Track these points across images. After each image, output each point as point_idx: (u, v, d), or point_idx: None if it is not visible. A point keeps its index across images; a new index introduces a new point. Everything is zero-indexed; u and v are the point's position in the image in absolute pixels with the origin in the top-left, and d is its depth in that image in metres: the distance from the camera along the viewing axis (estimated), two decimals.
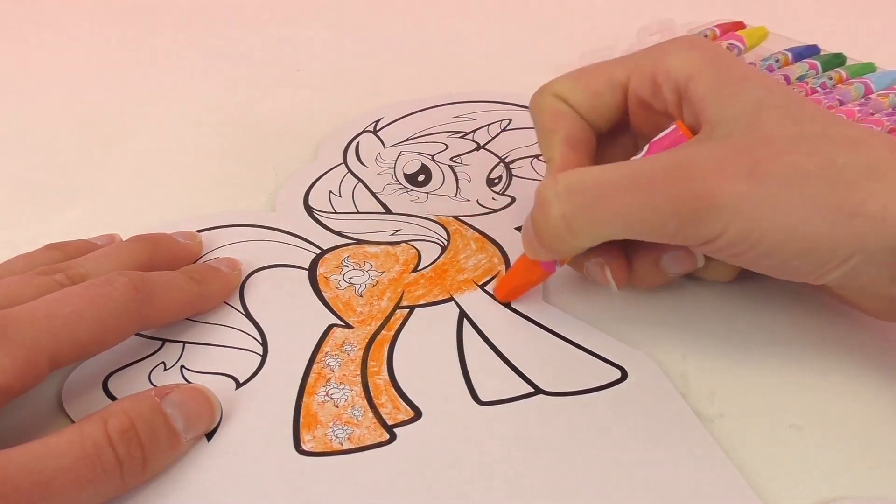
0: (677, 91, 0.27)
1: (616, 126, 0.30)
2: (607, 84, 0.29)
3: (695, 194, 0.24)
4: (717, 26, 0.49)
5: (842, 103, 0.41)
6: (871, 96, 0.41)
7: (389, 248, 0.33)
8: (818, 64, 0.45)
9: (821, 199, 0.24)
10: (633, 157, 0.27)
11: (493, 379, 0.27)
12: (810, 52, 0.46)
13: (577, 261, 0.29)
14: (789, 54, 0.46)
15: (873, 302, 0.27)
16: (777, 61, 0.45)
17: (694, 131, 0.27)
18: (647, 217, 0.25)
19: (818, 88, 0.42)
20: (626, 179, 0.25)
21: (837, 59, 0.45)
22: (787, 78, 0.43)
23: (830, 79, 0.43)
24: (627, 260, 0.29)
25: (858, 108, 0.40)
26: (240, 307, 0.30)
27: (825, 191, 0.24)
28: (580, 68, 0.30)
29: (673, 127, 0.27)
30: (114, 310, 0.25)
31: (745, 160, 0.24)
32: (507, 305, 0.30)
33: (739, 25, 0.50)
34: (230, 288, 0.30)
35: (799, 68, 0.44)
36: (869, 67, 0.45)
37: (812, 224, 0.24)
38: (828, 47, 0.47)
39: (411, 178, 0.37)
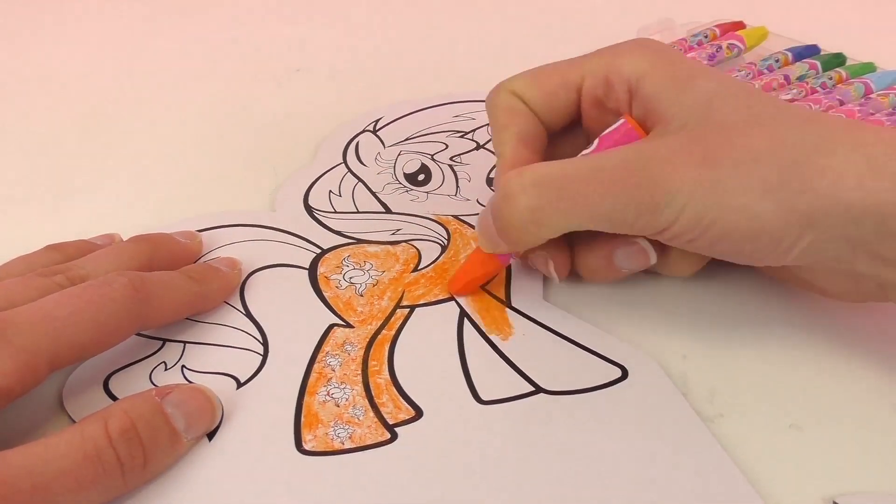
0: (629, 90, 0.28)
1: (568, 124, 0.31)
2: (562, 84, 0.30)
3: (651, 182, 0.25)
4: (717, 26, 0.49)
5: (842, 103, 0.41)
6: (871, 96, 0.41)
7: (390, 247, 0.33)
8: (818, 64, 0.45)
9: (770, 178, 0.24)
10: (584, 151, 0.29)
11: (493, 378, 0.27)
12: (810, 52, 0.46)
13: (523, 253, 0.30)
14: (789, 54, 0.46)
15: (838, 283, 0.27)
16: (777, 61, 0.45)
17: (644, 126, 0.28)
18: (609, 208, 0.26)
19: (818, 88, 0.42)
20: (590, 172, 0.26)
21: (837, 59, 0.45)
22: (787, 78, 0.43)
23: (830, 79, 0.43)
24: (570, 253, 0.30)
25: (858, 108, 0.40)
26: (240, 307, 0.30)
27: (774, 170, 0.24)
28: (536, 67, 0.31)
29: (621, 121, 0.28)
30: (113, 310, 0.25)
31: (698, 147, 0.25)
32: (508, 310, 0.30)
33: (739, 25, 0.50)
34: (230, 287, 0.30)
35: (799, 68, 0.44)
36: (869, 67, 0.45)
37: (762, 204, 0.24)
38: (828, 47, 0.47)
39: (411, 178, 0.37)
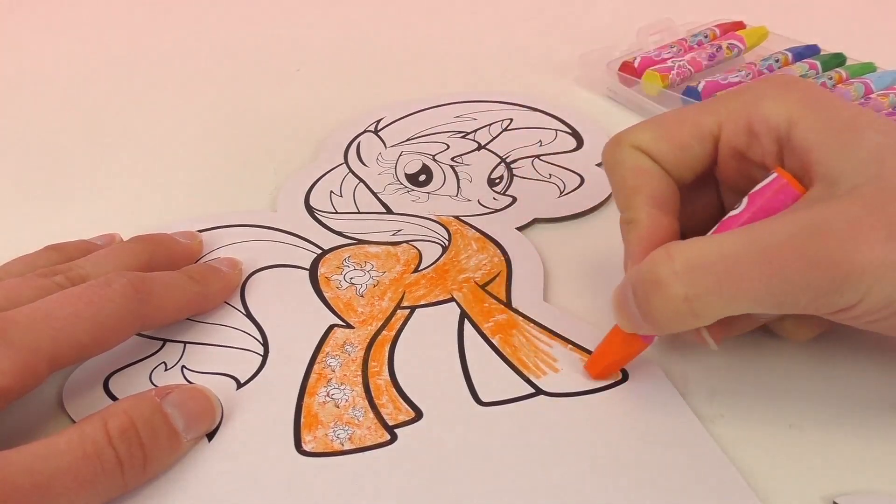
0: (778, 140, 0.25)
1: (701, 177, 0.28)
2: (695, 135, 0.27)
3: (831, 263, 0.22)
4: (717, 26, 0.49)
5: None
6: (871, 96, 0.41)
7: (390, 248, 0.33)
8: (818, 64, 0.45)
9: None
10: (732, 212, 0.25)
11: (493, 379, 0.27)
12: (810, 52, 0.46)
13: None
14: (789, 54, 0.46)
15: None
16: (777, 61, 0.45)
17: (800, 181, 0.24)
18: (778, 291, 0.22)
19: None
20: (753, 251, 0.23)
21: (837, 59, 0.45)
22: None
23: (830, 79, 0.43)
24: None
25: None
26: (241, 307, 0.30)
27: None
28: (659, 116, 0.28)
29: (774, 176, 0.25)
30: (113, 311, 0.25)
31: (881, 219, 0.22)
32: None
33: (739, 25, 0.50)
34: (231, 288, 0.30)
35: (799, 68, 0.44)
36: (869, 67, 0.45)
37: None
38: (828, 47, 0.47)
39: (412, 178, 0.37)
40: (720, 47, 0.47)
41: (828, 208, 0.23)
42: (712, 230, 0.25)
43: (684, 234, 0.26)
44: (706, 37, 0.48)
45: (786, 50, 0.46)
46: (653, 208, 0.26)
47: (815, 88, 0.26)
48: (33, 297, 0.25)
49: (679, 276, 0.23)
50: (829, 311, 0.23)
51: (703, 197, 0.28)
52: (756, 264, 0.22)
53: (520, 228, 0.34)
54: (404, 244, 0.33)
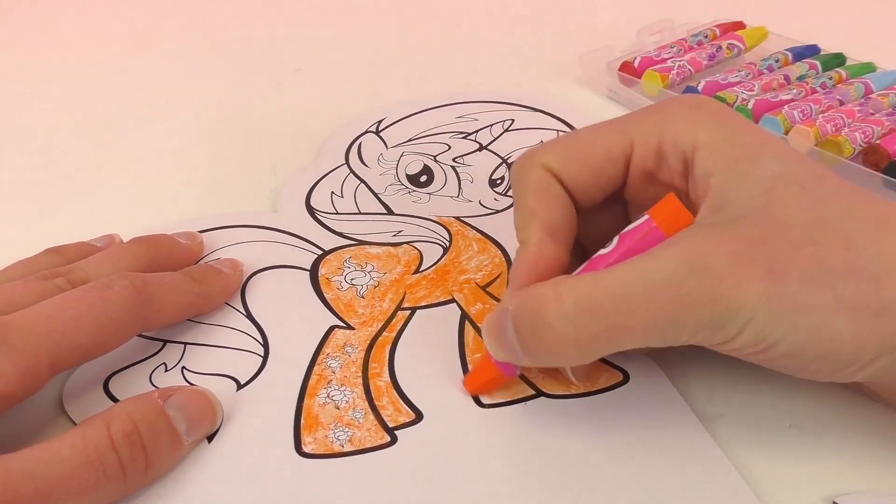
0: (684, 162, 0.25)
1: (611, 197, 0.27)
2: (606, 158, 0.26)
3: (711, 299, 0.22)
4: (717, 26, 0.49)
5: (842, 103, 0.41)
6: (871, 96, 0.41)
7: (391, 249, 0.33)
8: (818, 64, 0.45)
9: (845, 297, 0.22)
10: (602, 251, 0.25)
11: None
12: (810, 51, 0.47)
13: None
14: (789, 54, 0.46)
15: None
16: (777, 61, 0.45)
17: (699, 205, 0.24)
18: (663, 328, 0.22)
19: (818, 88, 0.42)
20: (639, 291, 0.22)
21: (837, 59, 0.45)
22: (787, 77, 0.43)
23: (830, 79, 0.43)
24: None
25: (858, 108, 0.40)
26: (241, 308, 0.30)
27: (850, 288, 0.22)
28: (573, 135, 0.27)
29: (645, 218, 0.24)
30: (114, 313, 0.25)
31: (761, 254, 0.22)
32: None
33: (739, 25, 0.50)
34: (231, 289, 0.30)
35: (799, 68, 0.44)
36: (869, 67, 0.45)
37: (835, 325, 0.22)
38: (828, 47, 0.47)
39: (413, 179, 0.37)
40: (720, 47, 0.47)
41: (709, 241, 0.23)
42: (579, 269, 0.25)
43: (586, 252, 0.26)
44: (706, 37, 0.48)
45: (786, 50, 0.46)
46: (545, 236, 0.26)
47: (725, 111, 0.26)
48: (34, 300, 0.25)
49: (569, 318, 0.22)
50: (710, 344, 0.23)
51: (610, 215, 0.28)
52: (643, 303, 0.22)
53: None
54: (405, 245, 0.33)
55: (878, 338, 0.22)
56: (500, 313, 0.24)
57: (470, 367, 0.28)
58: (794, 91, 0.42)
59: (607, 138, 0.26)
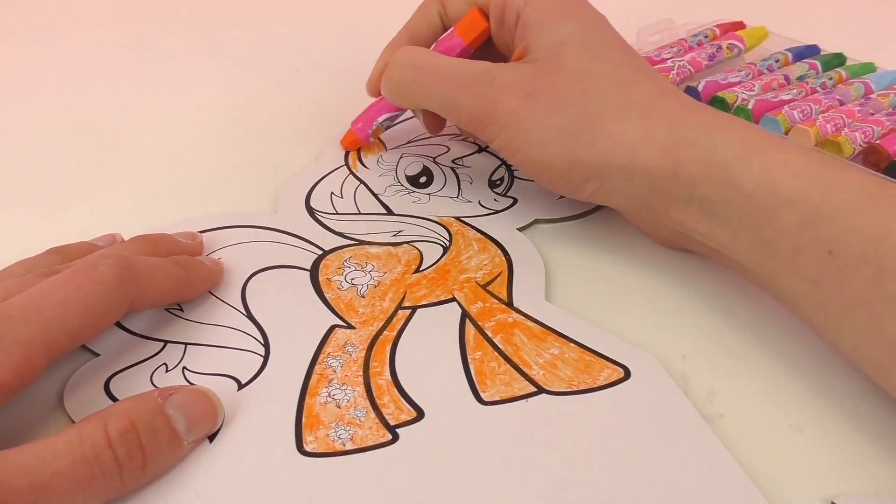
0: (517, 15, 0.32)
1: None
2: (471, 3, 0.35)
3: (486, 99, 0.30)
4: (717, 26, 0.49)
5: (842, 103, 0.41)
6: (871, 96, 0.41)
7: (391, 248, 0.33)
8: (818, 64, 0.45)
9: (568, 126, 0.29)
10: (441, 37, 0.36)
11: (495, 378, 0.27)
12: (810, 51, 0.47)
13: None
14: (789, 54, 0.46)
15: (650, 228, 0.32)
16: (777, 61, 0.45)
17: (519, 51, 0.32)
18: (451, 104, 0.32)
19: (818, 88, 0.42)
20: (447, 71, 0.32)
21: (837, 59, 0.45)
22: (787, 78, 0.43)
23: (830, 79, 0.43)
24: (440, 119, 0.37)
25: (858, 109, 0.40)
26: (241, 308, 0.30)
27: (572, 120, 0.29)
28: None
29: (451, 30, 0.35)
30: (102, 293, 0.25)
31: (530, 83, 0.30)
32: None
33: (740, 25, 0.50)
34: (213, 278, 0.30)
35: (799, 68, 0.44)
36: (869, 67, 0.45)
37: (554, 145, 0.29)
38: (828, 47, 0.47)
39: (413, 180, 0.37)
40: (720, 47, 0.47)
41: (508, 67, 0.31)
42: (432, 46, 0.36)
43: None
44: (706, 37, 0.48)
45: (786, 50, 0.46)
46: (407, 40, 0.37)
47: None
48: None
49: (399, 65, 0.34)
50: (482, 137, 0.32)
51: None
52: (444, 80, 0.32)
53: (521, 229, 0.34)
54: (405, 245, 0.33)
55: (583, 165, 0.29)
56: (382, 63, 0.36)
57: (471, 366, 0.28)
58: (794, 91, 0.42)
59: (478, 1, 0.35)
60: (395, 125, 0.40)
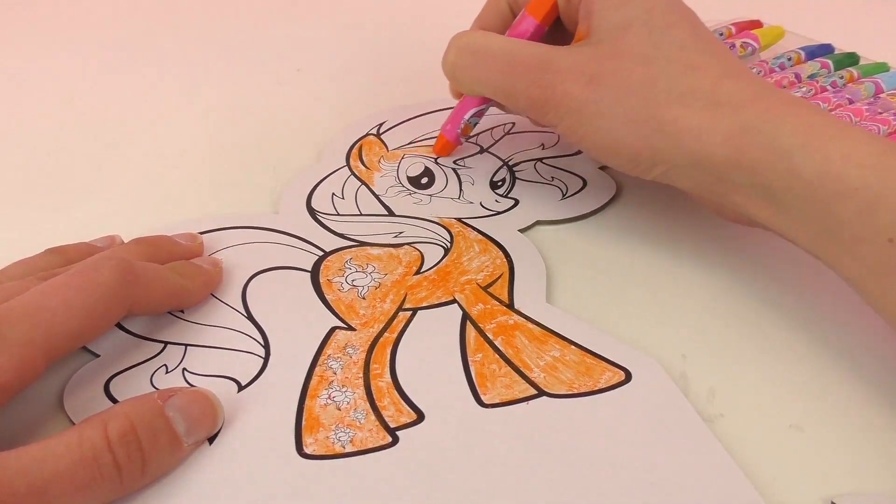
0: None
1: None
2: None
3: (545, 85, 0.30)
4: (733, 24, 0.49)
5: (851, 102, 0.40)
6: (880, 95, 0.41)
7: (392, 250, 0.33)
8: (830, 63, 0.44)
9: (635, 112, 0.29)
10: (515, 21, 0.34)
11: (496, 381, 0.27)
12: (824, 50, 0.46)
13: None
14: (802, 53, 0.45)
15: (718, 208, 0.31)
16: (789, 59, 0.45)
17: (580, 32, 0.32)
18: (508, 90, 0.32)
19: (828, 87, 0.42)
20: (504, 55, 0.32)
21: (850, 59, 0.45)
22: (797, 76, 0.43)
23: (841, 78, 0.43)
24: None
25: (867, 108, 0.40)
26: (242, 310, 0.30)
27: (640, 105, 0.29)
28: None
29: (522, 12, 0.34)
30: (102, 295, 0.25)
31: (592, 68, 0.29)
32: (510, 306, 0.30)
33: (756, 24, 0.49)
34: (212, 283, 0.30)
35: (811, 67, 0.44)
36: (882, 67, 0.44)
37: (621, 132, 0.29)
38: (844, 47, 0.46)
39: (414, 181, 0.37)
40: (734, 45, 0.46)
41: (568, 51, 0.31)
42: (506, 33, 0.35)
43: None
44: (721, 34, 0.48)
45: (799, 49, 0.46)
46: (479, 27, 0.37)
47: None
48: None
49: (454, 48, 0.33)
50: (541, 123, 0.32)
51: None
52: (500, 63, 0.32)
53: (522, 230, 0.34)
54: (406, 246, 0.33)
55: (652, 150, 0.29)
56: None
57: (471, 368, 0.27)
58: (804, 89, 0.41)
59: None
60: (481, 121, 0.39)
